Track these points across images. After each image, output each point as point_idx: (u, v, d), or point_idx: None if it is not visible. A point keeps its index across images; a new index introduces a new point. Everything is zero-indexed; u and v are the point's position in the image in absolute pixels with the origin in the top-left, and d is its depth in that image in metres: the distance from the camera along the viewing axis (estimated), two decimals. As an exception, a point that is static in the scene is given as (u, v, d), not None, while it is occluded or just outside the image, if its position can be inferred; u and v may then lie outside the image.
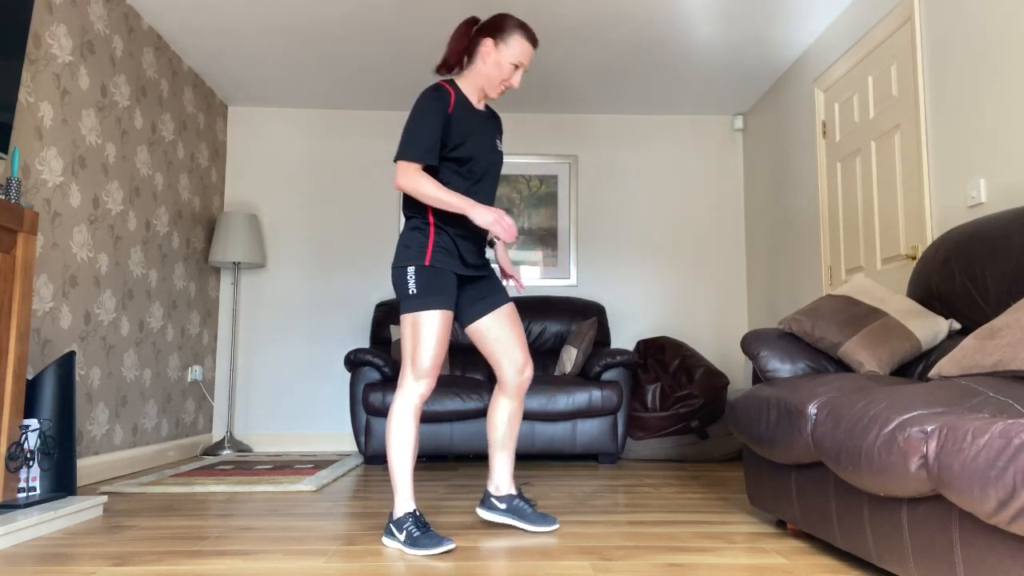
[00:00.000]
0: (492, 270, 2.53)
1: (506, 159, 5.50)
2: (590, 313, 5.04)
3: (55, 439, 2.72)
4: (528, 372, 2.49)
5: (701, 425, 4.48)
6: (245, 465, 4.18)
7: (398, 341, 4.74)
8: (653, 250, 5.50)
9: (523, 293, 2.37)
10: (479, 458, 4.67)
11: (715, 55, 4.57)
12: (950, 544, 1.52)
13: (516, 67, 2.37)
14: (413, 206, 2.38)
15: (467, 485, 3.52)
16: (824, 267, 4.20)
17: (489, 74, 2.37)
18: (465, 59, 2.44)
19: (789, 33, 4.28)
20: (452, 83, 2.40)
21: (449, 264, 2.34)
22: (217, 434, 5.20)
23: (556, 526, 2.46)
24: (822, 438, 1.89)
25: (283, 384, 5.28)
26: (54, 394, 2.77)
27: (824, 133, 4.23)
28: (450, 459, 4.62)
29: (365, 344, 5.33)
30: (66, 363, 2.81)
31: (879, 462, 1.61)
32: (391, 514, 2.31)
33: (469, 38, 2.40)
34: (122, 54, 3.92)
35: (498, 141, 2.48)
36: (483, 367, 4.93)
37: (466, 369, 4.90)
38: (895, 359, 2.37)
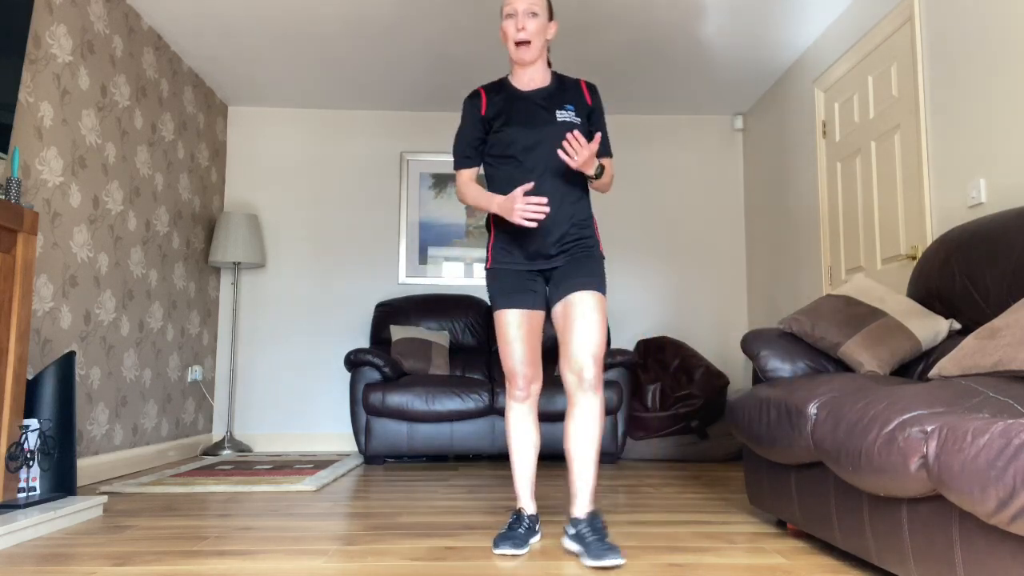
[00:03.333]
0: (588, 252, 2.32)
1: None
2: (590, 313, 5.03)
3: (55, 439, 2.72)
4: (587, 373, 2.19)
5: (701, 425, 4.48)
6: (245, 465, 4.18)
7: (399, 341, 4.74)
8: (653, 250, 5.50)
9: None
10: (479, 458, 4.67)
11: (715, 55, 4.57)
12: (950, 544, 1.52)
13: (508, 16, 2.32)
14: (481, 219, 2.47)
15: (467, 485, 3.52)
16: (824, 267, 4.20)
17: (507, 45, 2.38)
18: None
19: (789, 33, 4.28)
20: (495, 82, 2.44)
21: (511, 262, 2.34)
22: (217, 434, 5.20)
23: (615, 561, 1.97)
24: (822, 438, 1.89)
25: (283, 384, 5.28)
26: (54, 394, 2.77)
27: (824, 133, 4.23)
28: (450, 459, 4.62)
29: (365, 344, 5.33)
30: (66, 363, 2.81)
31: (879, 462, 1.61)
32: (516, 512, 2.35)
33: None
34: (122, 54, 3.92)
35: (561, 111, 2.32)
36: (483, 367, 4.93)
37: (466, 369, 4.90)
38: (895, 359, 2.37)
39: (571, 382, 2.23)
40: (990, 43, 2.82)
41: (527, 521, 2.29)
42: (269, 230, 5.39)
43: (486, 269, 2.40)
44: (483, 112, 2.37)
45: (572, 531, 2.17)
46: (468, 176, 2.40)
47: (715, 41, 4.38)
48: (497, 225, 2.38)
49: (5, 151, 2.64)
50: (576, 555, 2.15)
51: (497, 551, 2.16)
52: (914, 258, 3.31)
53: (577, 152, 2.15)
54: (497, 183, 2.37)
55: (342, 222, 5.42)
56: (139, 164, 4.12)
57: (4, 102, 2.61)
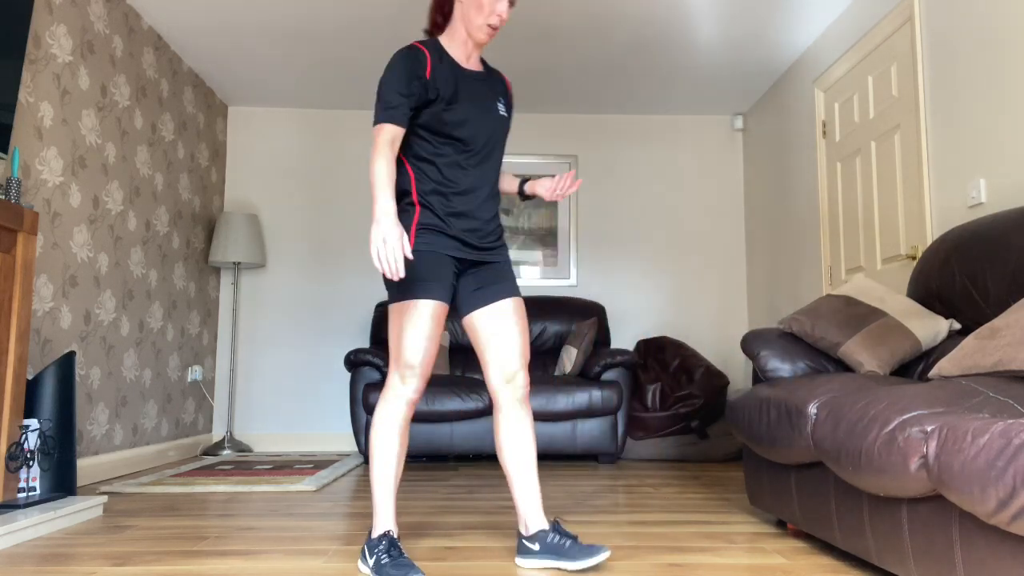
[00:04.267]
0: (506, 256, 2.19)
1: (506, 159, 5.50)
2: (590, 313, 5.04)
3: (55, 439, 2.72)
4: (520, 381, 2.11)
5: (701, 425, 4.48)
6: (245, 465, 4.18)
7: (398, 341, 4.73)
8: (653, 250, 5.50)
9: (573, 191, 1.99)
10: (479, 458, 4.67)
11: (715, 55, 4.57)
12: (950, 544, 1.52)
13: None
14: (399, 182, 2.08)
15: (467, 486, 3.52)
16: (824, 267, 4.20)
17: (468, 15, 2.08)
18: (441, 18, 2.17)
19: (789, 33, 4.28)
20: (430, 42, 2.12)
21: (439, 245, 2.03)
22: (217, 434, 5.20)
23: (605, 554, 1.97)
24: (822, 438, 1.89)
25: (283, 384, 5.28)
26: (54, 394, 2.77)
27: (824, 133, 4.23)
28: (450, 459, 4.62)
29: (365, 344, 5.33)
30: (66, 363, 2.81)
31: (879, 462, 1.61)
32: (369, 533, 2.04)
33: None
34: (122, 54, 3.92)
35: (500, 104, 2.16)
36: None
37: (466, 369, 4.90)
38: (895, 359, 2.37)
39: (506, 392, 2.11)
40: (990, 43, 2.82)
41: (397, 543, 1.97)
42: (269, 230, 5.39)
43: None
44: (428, 75, 2.02)
45: (538, 546, 2.05)
46: (395, 135, 1.98)
47: (715, 41, 4.38)
48: (425, 200, 2.05)
49: (5, 151, 2.64)
50: (551, 569, 2.02)
51: None
52: (914, 258, 3.31)
53: (563, 192, 2.12)
54: (435, 166, 2.06)
55: (342, 222, 5.42)
56: (139, 164, 4.12)
57: (4, 102, 2.61)
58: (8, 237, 2.51)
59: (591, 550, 1.98)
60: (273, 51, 4.54)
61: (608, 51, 4.51)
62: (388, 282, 2.03)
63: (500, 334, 2.11)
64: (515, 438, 2.11)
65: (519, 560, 2.08)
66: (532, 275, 5.45)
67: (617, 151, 5.57)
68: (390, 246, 1.86)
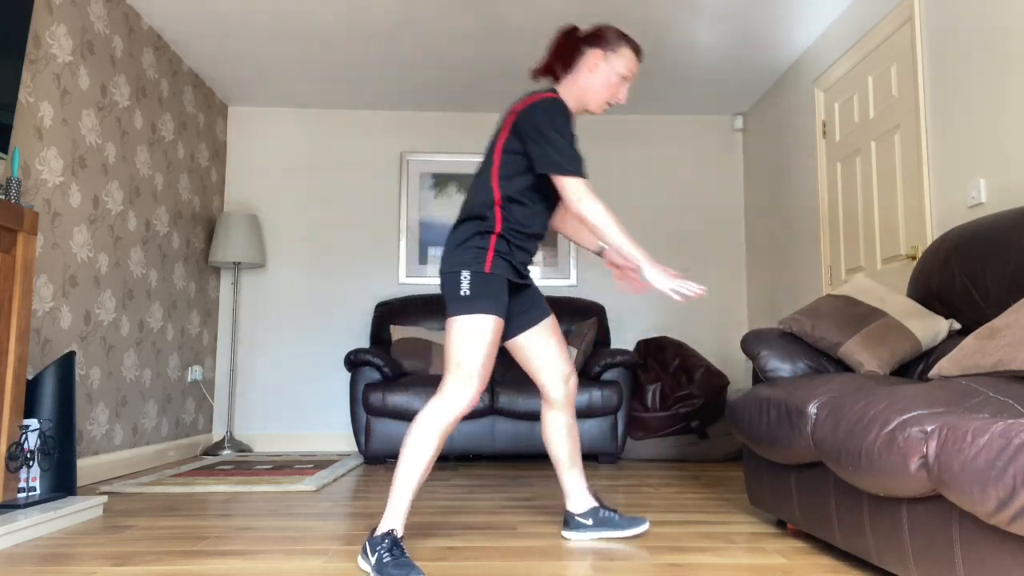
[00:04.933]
0: (531, 279, 2.41)
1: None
2: (590, 313, 5.04)
3: (55, 439, 2.72)
4: (573, 380, 2.41)
5: (701, 425, 4.48)
6: (245, 465, 4.18)
7: (399, 341, 4.74)
8: (653, 250, 5.50)
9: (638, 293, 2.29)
10: (479, 458, 4.67)
11: (715, 55, 4.57)
12: (950, 544, 1.52)
13: (624, 79, 2.28)
14: (482, 207, 2.18)
15: (467, 486, 3.52)
16: (824, 267, 4.20)
17: (594, 86, 2.26)
18: (560, 68, 2.30)
19: (789, 33, 4.28)
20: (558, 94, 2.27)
21: (506, 272, 2.17)
22: (217, 434, 5.20)
23: (646, 525, 2.39)
24: (822, 438, 1.89)
25: (283, 384, 5.28)
26: (54, 394, 2.77)
27: (824, 133, 4.23)
28: (450, 459, 4.62)
29: (365, 344, 5.33)
30: (66, 363, 2.81)
31: (879, 462, 1.61)
32: (373, 530, 2.07)
33: (572, 48, 2.27)
34: (122, 54, 3.92)
35: None
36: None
37: (466, 369, 4.90)
38: (895, 359, 2.37)
39: (562, 391, 2.41)
40: (990, 43, 2.82)
41: (400, 543, 2.01)
42: (269, 230, 5.39)
43: (476, 272, 2.12)
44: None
45: (591, 520, 2.41)
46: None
47: (715, 41, 4.38)
48: (505, 234, 2.17)
49: (5, 151, 2.64)
50: (602, 539, 2.39)
51: None
52: (914, 258, 3.31)
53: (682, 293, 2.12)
54: (524, 208, 2.20)
55: (342, 222, 5.42)
56: (139, 164, 4.12)
57: (4, 102, 2.61)
58: (8, 237, 2.51)
59: (636, 521, 2.40)
60: (273, 51, 4.54)
61: (608, 51, 4.51)
62: (454, 295, 2.14)
63: (551, 346, 2.40)
64: (568, 431, 2.43)
65: (569, 533, 2.42)
66: (532, 275, 5.45)
67: (617, 151, 5.57)
68: (678, 278, 2.06)
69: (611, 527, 2.39)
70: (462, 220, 2.21)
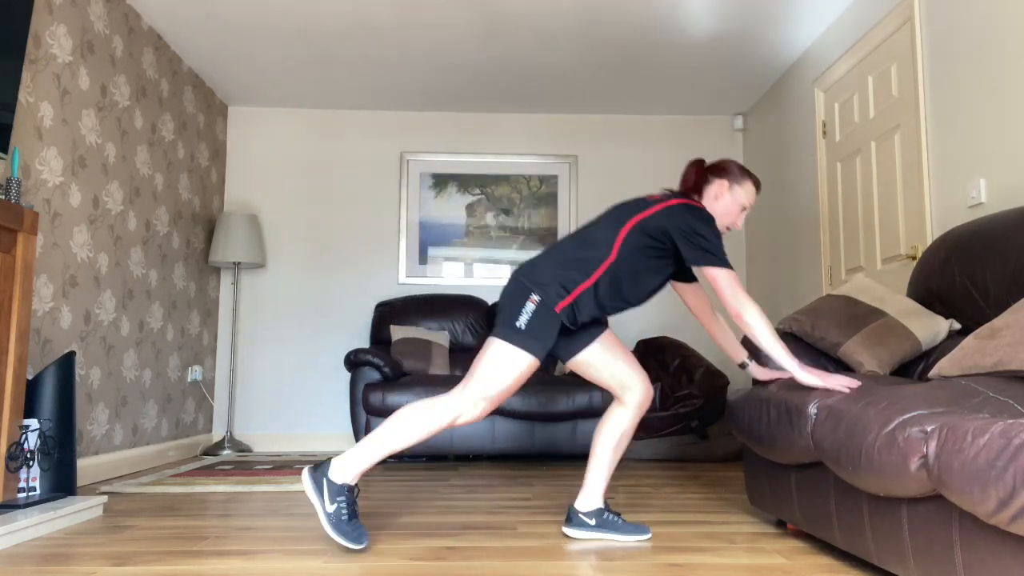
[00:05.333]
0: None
1: (506, 159, 5.52)
2: (590, 313, 5.03)
3: (55, 439, 2.72)
4: (649, 390, 2.45)
5: (701, 425, 4.48)
6: (245, 465, 4.18)
7: (399, 341, 4.74)
8: (653, 250, 5.49)
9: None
10: (479, 458, 4.67)
11: (715, 55, 4.57)
12: (950, 544, 1.52)
13: (743, 209, 2.42)
14: (584, 262, 2.26)
15: (467, 486, 3.52)
16: (824, 267, 4.20)
17: (717, 212, 2.41)
18: (692, 185, 2.46)
19: (789, 33, 4.28)
20: None
21: (567, 319, 2.25)
22: (217, 434, 5.20)
23: (649, 535, 2.37)
24: (822, 438, 1.89)
25: (283, 384, 5.28)
26: (54, 394, 2.77)
27: (824, 133, 4.23)
28: (450, 459, 4.62)
29: (365, 344, 5.33)
30: (66, 363, 2.81)
31: (879, 462, 1.61)
32: (325, 466, 2.19)
33: (701, 177, 2.43)
34: (122, 54, 3.92)
35: None
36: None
37: (466, 369, 4.90)
38: (895, 359, 2.37)
39: (641, 398, 2.43)
40: (990, 43, 2.82)
41: (356, 501, 2.23)
42: (269, 230, 5.39)
43: (544, 305, 2.20)
44: None
45: (595, 520, 2.41)
46: None
47: (715, 41, 4.38)
48: (591, 295, 2.25)
49: (5, 151, 2.64)
50: (601, 540, 2.38)
51: (356, 547, 2.14)
52: (914, 258, 3.31)
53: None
54: (619, 287, 2.28)
55: (342, 222, 5.42)
56: (139, 164, 4.12)
57: (4, 102, 2.61)
58: (8, 237, 2.51)
59: (639, 528, 2.38)
60: (273, 51, 4.54)
61: (608, 51, 4.51)
62: (510, 320, 2.21)
63: (618, 357, 2.45)
64: (624, 434, 2.44)
65: (570, 530, 2.42)
66: (532, 275, 5.44)
67: (617, 151, 5.57)
68: (831, 376, 2.07)
69: (613, 530, 2.39)
70: (572, 257, 2.28)
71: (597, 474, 2.46)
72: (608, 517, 2.42)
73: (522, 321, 2.20)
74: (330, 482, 2.17)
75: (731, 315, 2.21)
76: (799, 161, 4.56)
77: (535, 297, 2.21)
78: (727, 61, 4.65)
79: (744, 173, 2.42)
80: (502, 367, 2.19)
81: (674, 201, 2.31)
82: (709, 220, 2.27)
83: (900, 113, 3.45)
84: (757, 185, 2.44)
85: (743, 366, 2.47)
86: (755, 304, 2.18)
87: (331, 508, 2.15)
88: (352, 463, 2.20)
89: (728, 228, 2.43)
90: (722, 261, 2.22)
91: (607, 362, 2.43)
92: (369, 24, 4.18)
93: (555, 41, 4.38)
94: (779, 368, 2.44)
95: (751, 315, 2.16)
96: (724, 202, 2.40)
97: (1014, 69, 2.70)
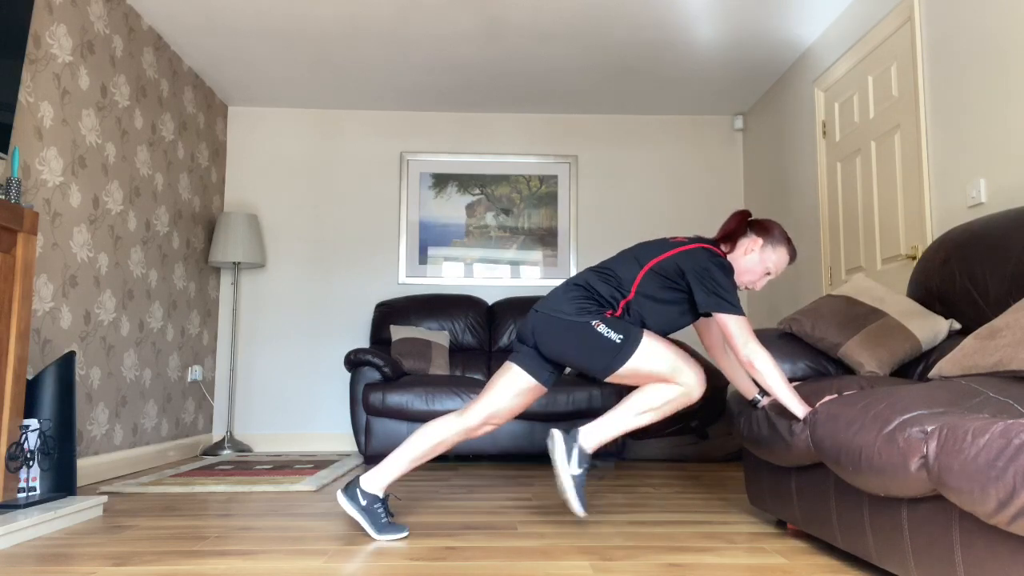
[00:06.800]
0: None
1: (506, 159, 5.52)
2: (590, 313, 5.03)
3: (55, 439, 2.72)
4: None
5: (701, 425, 4.48)
6: (245, 465, 4.18)
7: (399, 341, 4.74)
8: (653, 250, 5.49)
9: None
10: (479, 458, 4.67)
11: (715, 55, 4.57)
12: (950, 544, 1.52)
13: (768, 273, 2.42)
14: (620, 287, 2.35)
15: (467, 486, 3.53)
16: (824, 267, 4.20)
17: (740, 266, 2.42)
18: (727, 235, 2.47)
19: (789, 33, 4.28)
20: None
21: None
22: (217, 434, 5.20)
23: (405, 533, 2.39)
24: (822, 438, 1.89)
25: (283, 384, 5.28)
26: (54, 394, 2.77)
27: (824, 133, 4.23)
28: (450, 459, 4.62)
29: (365, 344, 5.33)
30: (66, 363, 2.81)
31: (879, 462, 1.61)
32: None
33: (740, 227, 2.44)
34: (122, 54, 3.92)
35: None
36: (483, 367, 4.93)
37: (466, 369, 4.90)
38: (895, 359, 2.37)
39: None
40: (990, 43, 2.82)
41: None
42: (269, 230, 5.39)
43: (605, 318, 2.30)
44: None
45: (364, 502, 2.41)
46: None
47: (715, 41, 4.38)
48: (636, 318, 2.35)
49: (5, 151, 2.64)
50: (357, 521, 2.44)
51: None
52: (914, 258, 3.31)
53: None
54: (645, 311, 2.36)
55: (342, 222, 5.42)
56: (139, 164, 4.12)
57: (4, 102, 2.61)
58: (8, 237, 2.51)
59: (396, 528, 2.39)
60: (273, 51, 4.54)
61: (608, 51, 4.51)
62: (607, 346, 2.27)
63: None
64: (444, 440, 2.47)
65: (341, 497, 2.42)
66: (532, 275, 5.45)
67: (617, 151, 5.57)
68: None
69: (373, 523, 2.38)
70: (595, 287, 2.35)
71: (398, 460, 2.43)
72: (378, 509, 2.39)
73: (614, 336, 2.26)
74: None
75: (742, 363, 2.21)
76: (799, 161, 4.56)
77: (592, 322, 2.28)
78: (727, 61, 4.65)
79: (784, 240, 2.41)
80: (655, 356, 2.26)
81: (696, 245, 2.35)
82: (727, 269, 2.29)
83: (900, 113, 3.45)
84: (792, 255, 2.43)
85: (754, 403, 2.43)
86: (766, 351, 2.18)
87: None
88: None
89: (747, 287, 2.44)
90: (735, 308, 2.24)
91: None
92: (369, 24, 4.18)
93: (555, 41, 4.38)
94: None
95: (762, 363, 2.16)
96: (751, 259, 2.40)
97: (1014, 69, 2.70)
